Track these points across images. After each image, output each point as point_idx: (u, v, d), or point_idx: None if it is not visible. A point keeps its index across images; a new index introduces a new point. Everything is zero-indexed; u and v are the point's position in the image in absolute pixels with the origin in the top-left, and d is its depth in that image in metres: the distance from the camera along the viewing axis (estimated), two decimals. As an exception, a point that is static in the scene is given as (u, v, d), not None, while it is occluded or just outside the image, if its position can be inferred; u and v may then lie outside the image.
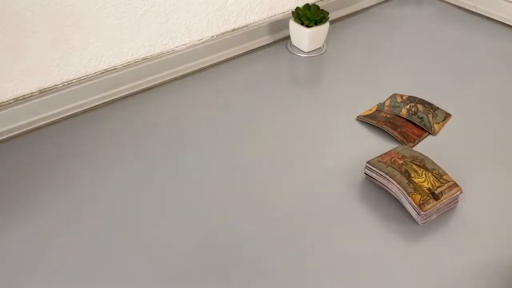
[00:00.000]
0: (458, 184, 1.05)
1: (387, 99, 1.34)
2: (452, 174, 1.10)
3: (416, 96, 1.35)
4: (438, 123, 1.25)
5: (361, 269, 0.91)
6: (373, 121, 1.26)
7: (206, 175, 1.11)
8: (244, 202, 1.04)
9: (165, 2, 1.32)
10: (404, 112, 1.27)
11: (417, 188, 0.99)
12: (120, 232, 0.97)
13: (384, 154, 1.09)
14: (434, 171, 1.03)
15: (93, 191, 1.06)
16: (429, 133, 1.23)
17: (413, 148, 1.18)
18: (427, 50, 1.57)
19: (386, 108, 1.30)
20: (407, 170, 1.03)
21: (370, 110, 1.31)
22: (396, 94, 1.35)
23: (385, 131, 1.23)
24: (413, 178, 1.01)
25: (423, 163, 1.05)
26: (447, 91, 1.38)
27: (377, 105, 1.32)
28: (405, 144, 1.19)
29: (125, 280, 0.88)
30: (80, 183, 1.08)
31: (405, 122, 1.25)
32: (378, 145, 1.19)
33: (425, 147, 1.19)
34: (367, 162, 1.08)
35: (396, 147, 1.12)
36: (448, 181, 1.01)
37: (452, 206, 1.03)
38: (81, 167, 1.12)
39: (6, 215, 1.00)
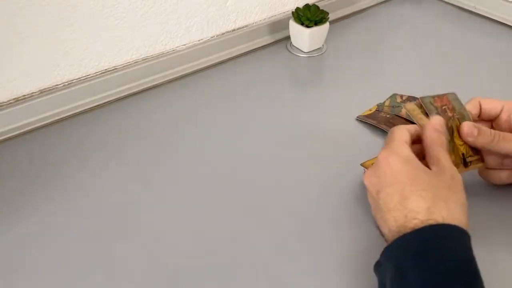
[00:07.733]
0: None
1: (387, 99, 1.34)
2: (452, 174, 1.10)
3: (416, 96, 1.35)
4: (438, 123, 1.25)
5: (360, 269, 0.91)
6: (373, 121, 1.26)
7: (205, 175, 1.11)
8: (243, 202, 1.04)
9: (165, 2, 1.32)
10: (404, 112, 1.27)
11: (454, 149, 0.95)
12: (119, 232, 0.97)
13: (437, 96, 1.03)
14: None
15: (93, 191, 1.06)
16: (429, 133, 1.23)
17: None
18: (427, 50, 1.57)
19: (386, 108, 1.30)
20: (452, 126, 0.97)
21: (370, 110, 1.31)
22: (396, 94, 1.35)
23: (385, 131, 1.24)
24: (454, 138, 0.96)
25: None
26: (447, 91, 1.38)
27: (377, 105, 1.32)
28: (405, 144, 1.18)
29: (124, 280, 0.88)
30: (80, 183, 1.08)
31: (405, 122, 1.25)
32: (378, 145, 1.19)
33: (425, 147, 1.19)
34: (362, 164, 1.07)
35: (449, 93, 1.05)
36: (477, 155, 0.97)
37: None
38: (81, 167, 1.13)
39: (4, 215, 1.01)
